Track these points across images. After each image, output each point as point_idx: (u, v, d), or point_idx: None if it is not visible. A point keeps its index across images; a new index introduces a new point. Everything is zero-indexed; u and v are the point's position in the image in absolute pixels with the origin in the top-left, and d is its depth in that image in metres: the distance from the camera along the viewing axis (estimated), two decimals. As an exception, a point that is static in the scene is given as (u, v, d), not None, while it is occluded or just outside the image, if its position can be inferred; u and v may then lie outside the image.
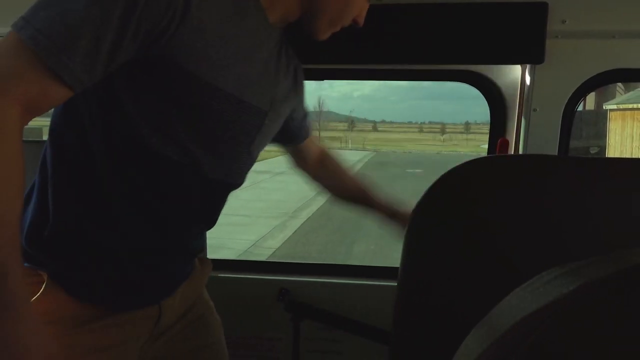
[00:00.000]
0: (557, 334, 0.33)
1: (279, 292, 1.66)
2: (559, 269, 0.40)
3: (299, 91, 1.17)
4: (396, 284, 1.18)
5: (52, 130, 0.92)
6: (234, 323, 1.43)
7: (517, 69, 1.52)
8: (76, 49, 0.71)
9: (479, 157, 1.21)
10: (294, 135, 1.25)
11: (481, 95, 1.58)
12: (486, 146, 1.67)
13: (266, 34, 0.96)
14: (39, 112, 0.74)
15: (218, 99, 0.87)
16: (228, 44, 0.86)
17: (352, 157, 25.22)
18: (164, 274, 1.01)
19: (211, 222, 1.06)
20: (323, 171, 1.36)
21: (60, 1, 0.73)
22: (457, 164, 1.18)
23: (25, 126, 0.75)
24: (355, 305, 1.64)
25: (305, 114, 1.26)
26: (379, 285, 1.67)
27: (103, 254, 0.91)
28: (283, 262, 2.51)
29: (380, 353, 1.39)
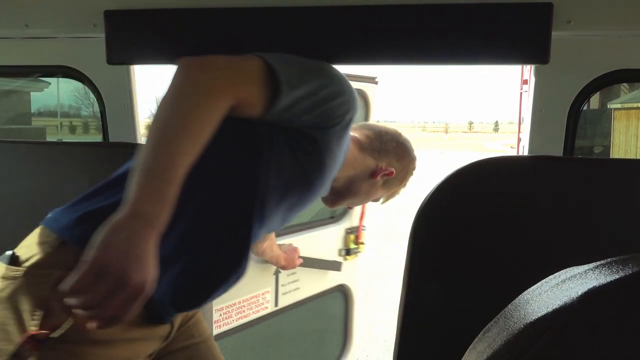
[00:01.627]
0: (566, 339, 0.33)
1: None
2: (567, 273, 0.40)
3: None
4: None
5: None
6: None
7: (119, 69, 1.59)
8: (295, 92, 0.97)
9: (485, 158, 1.21)
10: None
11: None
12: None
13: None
14: (236, 113, 0.94)
15: (318, 180, 1.12)
16: (338, 159, 1.15)
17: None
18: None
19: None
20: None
21: (296, 64, 1.05)
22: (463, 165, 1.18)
23: (29, 126, 0.82)
24: None
25: None
26: None
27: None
28: None
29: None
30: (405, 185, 1.44)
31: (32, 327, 0.88)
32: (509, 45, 1.27)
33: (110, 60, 1.45)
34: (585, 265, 0.39)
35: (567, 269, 0.40)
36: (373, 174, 1.32)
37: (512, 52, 1.28)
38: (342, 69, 1.18)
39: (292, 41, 1.35)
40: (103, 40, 1.43)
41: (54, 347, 0.87)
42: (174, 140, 0.84)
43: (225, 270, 1.01)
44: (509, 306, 0.40)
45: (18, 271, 0.94)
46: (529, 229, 1.13)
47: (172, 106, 0.87)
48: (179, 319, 1.11)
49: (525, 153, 1.52)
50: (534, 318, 0.35)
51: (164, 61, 1.50)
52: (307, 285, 2.31)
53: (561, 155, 1.48)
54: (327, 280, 2.44)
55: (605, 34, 1.35)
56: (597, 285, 0.34)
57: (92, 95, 1.73)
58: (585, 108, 1.51)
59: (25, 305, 0.91)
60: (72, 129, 5.50)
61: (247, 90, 0.95)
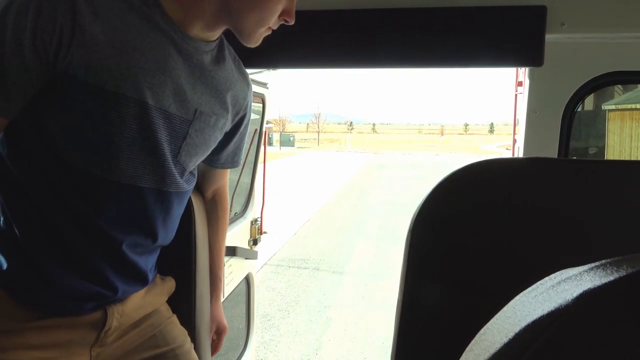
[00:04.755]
0: (561, 341, 0.33)
1: None
2: (562, 275, 0.41)
3: (234, 112, 1.15)
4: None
5: None
6: None
7: None
8: None
9: (480, 160, 1.21)
10: (216, 157, 1.24)
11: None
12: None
13: (182, 45, 0.98)
14: None
15: (127, 107, 0.92)
16: (130, 54, 0.90)
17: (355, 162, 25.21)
18: (104, 285, 1.02)
19: (154, 234, 1.06)
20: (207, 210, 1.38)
21: None
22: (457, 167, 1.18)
23: None
24: None
25: (239, 146, 1.26)
26: None
27: (37, 260, 0.96)
28: None
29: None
30: None
31: None
32: (504, 48, 1.28)
33: None
34: (580, 267, 0.40)
35: (562, 270, 0.41)
36: None
37: (507, 54, 1.29)
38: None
39: (289, 45, 1.35)
40: None
41: None
42: None
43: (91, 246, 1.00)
44: (505, 308, 0.40)
45: None
46: (524, 230, 1.14)
47: None
48: (123, 305, 1.07)
49: (521, 154, 1.53)
50: (529, 320, 0.35)
51: None
52: (233, 274, 2.37)
53: (556, 156, 1.49)
54: (242, 270, 2.52)
55: (599, 37, 1.36)
56: (592, 287, 0.35)
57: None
58: (579, 109, 1.52)
59: None
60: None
61: None
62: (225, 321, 1.53)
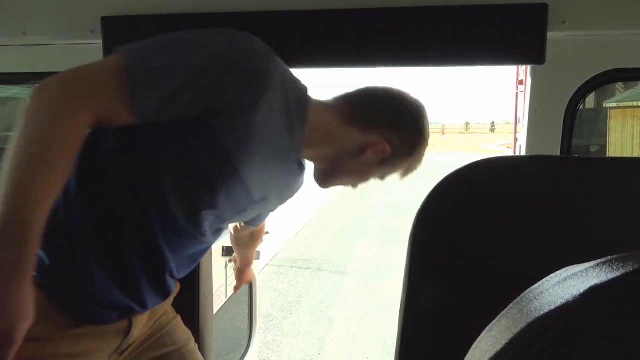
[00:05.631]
0: (569, 336, 0.33)
1: None
2: (567, 271, 0.41)
3: (284, 198, 1.23)
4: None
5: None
6: None
7: None
8: (158, 93, 0.85)
9: (482, 158, 1.21)
10: (252, 221, 1.37)
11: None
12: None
13: (294, 157, 1.07)
14: (103, 125, 0.86)
15: (235, 182, 0.98)
16: (267, 149, 0.97)
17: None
18: (138, 300, 1.05)
19: (195, 262, 1.16)
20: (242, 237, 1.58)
21: (168, 53, 0.88)
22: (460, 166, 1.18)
23: None
24: None
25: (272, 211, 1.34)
26: None
27: (86, 265, 0.96)
28: None
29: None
30: (419, 159, 1.15)
31: None
32: (505, 46, 1.28)
33: None
34: (586, 264, 0.40)
35: (568, 267, 0.41)
36: (361, 151, 1.06)
37: (508, 52, 1.29)
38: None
39: (289, 45, 1.35)
40: (100, 46, 1.43)
41: None
42: (27, 175, 0.74)
43: (146, 273, 1.03)
44: (512, 305, 0.40)
45: None
46: (528, 229, 1.14)
47: (22, 136, 0.77)
48: (144, 315, 1.11)
49: (522, 153, 1.53)
50: (536, 316, 0.35)
51: None
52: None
53: (558, 154, 1.49)
54: None
55: (600, 34, 1.36)
56: (598, 283, 0.35)
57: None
58: (581, 107, 1.51)
59: None
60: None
61: (105, 103, 0.84)
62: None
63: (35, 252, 0.75)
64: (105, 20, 1.41)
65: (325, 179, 1.12)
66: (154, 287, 1.06)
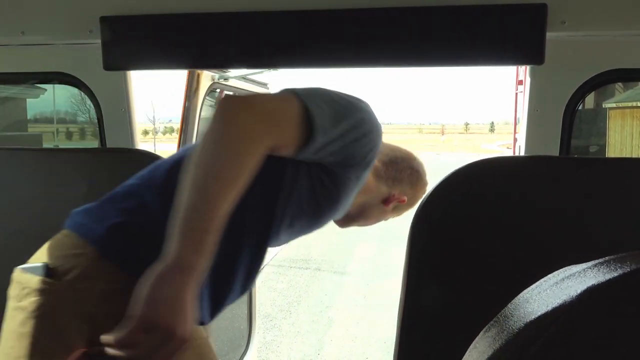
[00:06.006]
0: (566, 336, 0.33)
1: None
2: (565, 271, 0.41)
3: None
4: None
5: None
6: None
7: (116, 75, 1.59)
8: (325, 138, 0.98)
9: (482, 159, 1.21)
10: None
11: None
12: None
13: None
14: (276, 153, 0.96)
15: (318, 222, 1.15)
16: (353, 193, 1.16)
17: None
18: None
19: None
20: None
21: (334, 107, 1.02)
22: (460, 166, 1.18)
23: (25, 133, 0.82)
24: None
25: None
26: None
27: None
28: None
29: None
30: (414, 207, 1.37)
31: (80, 343, 0.89)
32: (505, 47, 1.28)
33: (107, 66, 1.45)
34: (583, 264, 0.40)
35: (566, 267, 0.41)
36: (386, 201, 1.31)
37: (508, 53, 1.29)
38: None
39: (289, 45, 1.35)
40: (99, 46, 1.43)
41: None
42: (217, 190, 0.85)
43: (241, 287, 1.09)
44: (509, 305, 0.40)
45: (56, 285, 0.93)
46: (526, 228, 1.14)
47: (214, 153, 0.87)
48: None
49: (522, 153, 1.53)
50: (534, 317, 0.35)
51: (161, 67, 1.51)
52: None
53: (557, 154, 1.49)
54: None
55: (599, 34, 1.36)
56: (595, 284, 0.35)
57: (88, 102, 1.73)
58: (580, 108, 1.51)
59: (68, 321, 0.91)
60: (69, 136, 5.49)
61: (285, 136, 0.96)
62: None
63: (208, 260, 0.84)
64: (104, 20, 1.41)
65: (347, 221, 1.32)
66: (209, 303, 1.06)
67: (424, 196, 1.22)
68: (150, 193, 1.01)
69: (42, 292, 0.92)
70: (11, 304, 0.96)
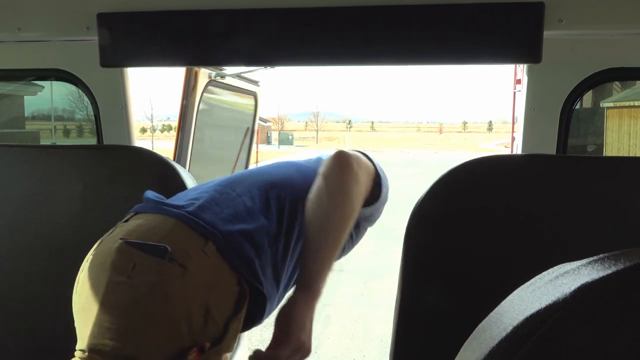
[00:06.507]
0: (559, 334, 0.33)
1: None
2: (560, 269, 0.41)
3: None
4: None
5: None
6: None
7: (113, 72, 1.60)
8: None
9: (478, 157, 1.21)
10: None
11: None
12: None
13: None
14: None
15: None
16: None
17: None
18: None
19: None
20: None
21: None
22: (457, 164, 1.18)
23: (23, 130, 0.81)
24: None
25: None
26: None
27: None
28: None
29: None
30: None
31: (201, 331, 0.91)
32: (502, 45, 1.28)
33: (104, 63, 1.44)
34: (578, 261, 0.40)
35: (560, 265, 0.41)
36: None
37: (505, 51, 1.29)
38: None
39: (287, 43, 1.35)
40: (96, 43, 1.42)
41: (209, 358, 0.91)
42: (343, 236, 1.06)
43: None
44: (503, 302, 0.40)
45: (180, 271, 0.91)
46: (522, 226, 1.14)
47: (343, 204, 1.06)
48: None
49: (519, 152, 1.53)
50: (528, 314, 0.35)
51: (158, 64, 1.50)
52: None
53: (554, 153, 1.49)
54: None
55: (597, 33, 1.36)
56: (589, 281, 0.35)
57: (86, 98, 1.73)
58: (577, 107, 1.52)
59: (194, 308, 0.90)
60: (66, 133, 5.48)
61: (367, 193, 1.14)
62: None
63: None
64: (101, 17, 1.40)
65: None
66: None
67: (420, 195, 1.22)
68: (273, 220, 1.09)
69: (167, 274, 0.90)
70: (115, 278, 0.90)
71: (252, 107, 2.91)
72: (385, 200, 1.24)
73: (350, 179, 1.07)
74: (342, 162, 1.08)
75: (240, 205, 1.06)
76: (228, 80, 2.43)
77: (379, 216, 1.29)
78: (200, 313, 0.90)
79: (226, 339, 0.93)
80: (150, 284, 0.89)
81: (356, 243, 1.34)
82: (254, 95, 2.85)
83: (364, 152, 1.19)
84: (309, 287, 1.02)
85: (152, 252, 0.90)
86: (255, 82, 2.81)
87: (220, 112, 2.70)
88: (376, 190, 1.18)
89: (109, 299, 0.89)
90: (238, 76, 2.53)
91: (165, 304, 0.89)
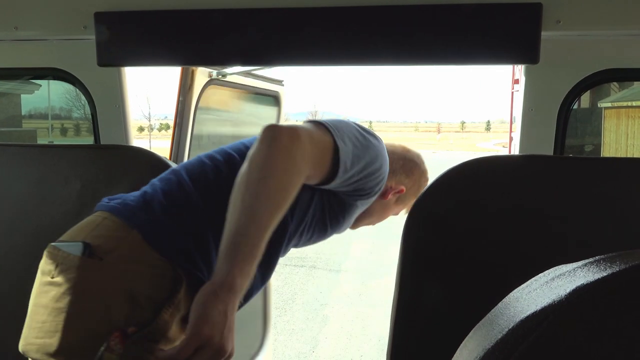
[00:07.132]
0: (555, 336, 0.33)
1: None
2: (556, 271, 0.41)
3: None
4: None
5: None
6: None
7: (110, 71, 1.60)
8: (346, 174, 1.07)
9: (476, 157, 1.22)
10: None
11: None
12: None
13: None
14: (310, 174, 1.02)
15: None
16: (356, 215, 1.27)
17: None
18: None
19: None
20: None
21: (356, 145, 1.09)
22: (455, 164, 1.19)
23: (20, 129, 0.82)
24: None
25: None
26: None
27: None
28: None
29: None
30: (418, 194, 1.39)
31: (121, 321, 0.91)
32: (499, 45, 1.28)
33: (101, 62, 1.44)
34: (574, 263, 0.40)
35: (556, 267, 0.41)
36: (384, 195, 1.33)
37: (503, 52, 1.29)
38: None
39: (285, 42, 1.35)
40: (94, 42, 1.42)
41: (136, 342, 0.91)
42: (265, 219, 0.90)
43: (254, 291, 1.14)
44: (499, 304, 0.40)
45: (99, 264, 0.94)
46: (520, 227, 1.14)
47: (264, 182, 0.92)
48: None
49: (517, 152, 1.53)
50: (523, 316, 0.35)
51: (155, 63, 1.50)
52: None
53: (552, 154, 1.49)
54: None
55: (595, 34, 1.36)
56: (585, 283, 0.35)
57: (83, 97, 1.73)
58: (575, 107, 1.52)
59: (112, 299, 0.93)
60: (63, 132, 5.47)
61: (318, 170, 1.04)
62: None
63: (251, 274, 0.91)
64: (98, 16, 1.40)
65: (354, 222, 1.33)
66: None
67: (419, 194, 1.22)
68: (198, 194, 1.05)
69: (84, 269, 0.94)
70: (43, 279, 0.97)
71: (272, 112, 2.71)
72: (365, 173, 1.11)
73: (276, 155, 0.93)
74: (266, 137, 0.95)
75: (177, 190, 1.06)
76: (237, 79, 2.28)
77: (373, 191, 1.18)
78: (123, 301, 0.92)
79: (156, 324, 0.93)
80: (69, 280, 0.93)
81: (348, 222, 1.25)
82: (275, 96, 2.65)
83: (322, 121, 1.08)
84: (220, 276, 0.87)
85: (73, 250, 0.95)
86: (278, 82, 2.62)
87: (225, 118, 2.55)
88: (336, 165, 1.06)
89: (39, 301, 0.96)
90: (249, 74, 2.33)
91: (83, 296, 0.93)
